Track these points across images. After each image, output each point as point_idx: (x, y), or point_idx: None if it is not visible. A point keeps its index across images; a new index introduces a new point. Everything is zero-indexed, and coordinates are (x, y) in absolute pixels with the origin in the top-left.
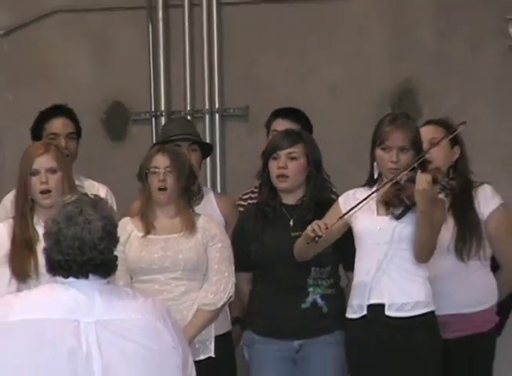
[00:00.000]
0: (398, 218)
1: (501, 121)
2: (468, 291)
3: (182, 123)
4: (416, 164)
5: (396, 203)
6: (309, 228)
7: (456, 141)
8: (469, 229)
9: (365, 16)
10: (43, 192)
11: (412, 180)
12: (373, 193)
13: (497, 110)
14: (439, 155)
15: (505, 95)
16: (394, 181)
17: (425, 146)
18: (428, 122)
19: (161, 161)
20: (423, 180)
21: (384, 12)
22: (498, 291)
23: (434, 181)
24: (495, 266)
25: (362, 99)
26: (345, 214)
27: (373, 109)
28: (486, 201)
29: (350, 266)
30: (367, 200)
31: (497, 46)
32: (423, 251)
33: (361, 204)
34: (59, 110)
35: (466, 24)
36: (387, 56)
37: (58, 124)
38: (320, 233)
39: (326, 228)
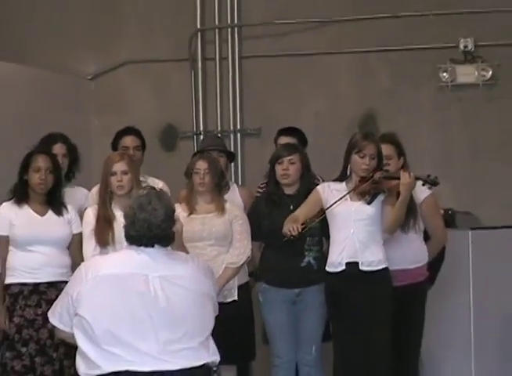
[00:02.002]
0: (369, 203)
1: (435, 139)
2: (408, 253)
3: (213, 138)
4: (385, 170)
5: (372, 192)
6: (285, 228)
7: (401, 153)
8: (408, 210)
9: (339, 67)
10: (118, 187)
11: (387, 178)
12: (352, 189)
13: (432, 131)
14: (393, 164)
15: (437, 120)
16: (373, 180)
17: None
18: (381, 138)
19: (202, 165)
20: (406, 176)
21: (353, 64)
22: (428, 254)
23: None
24: (426, 237)
25: (337, 122)
26: (328, 207)
27: (345, 129)
28: (420, 192)
29: (327, 236)
30: (346, 195)
31: (432, 86)
32: (396, 226)
33: (342, 199)
34: (129, 130)
35: (410, 71)
36: (355, 93)
37: (128, 140)
38: (294, 234)
39: (299, 231)
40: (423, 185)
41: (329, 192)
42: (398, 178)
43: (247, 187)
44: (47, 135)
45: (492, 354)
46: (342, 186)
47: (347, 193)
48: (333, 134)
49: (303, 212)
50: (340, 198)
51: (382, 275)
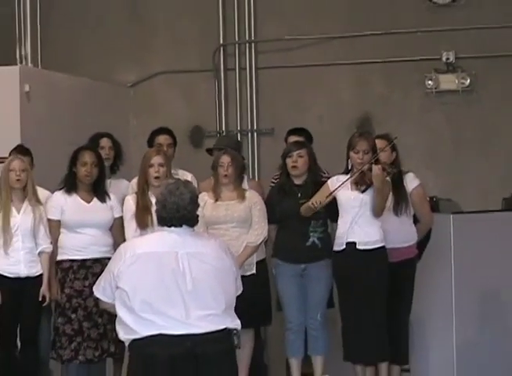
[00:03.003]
0: (362, 192)
1: (421, 137)
2: (401, 234)
3: (222, 138)
4: (373, 161)
5: (361, 183)
6: (310, 203)
7: (393, 149)
8: (400, 198)
9: (340, 76)
10: (155, 177)
11: (370, 170)
12: (347, 179)
13: (419, 130)
14: (385, 157)
15: (424, 121)
16: (360, 171)
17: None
18: (377, 137)
19: (225, 159)
20: (376, 169)
21: (351, 74)
22: (417, 234)
23: (384, 170)
24: (415, 220)
25: (338, 123)
26: (332, 192)
27: (345, 129)
28: (410, 182)
29: (334, 219)
30: (344, 183)
31: (419, 92)
32: (379, 210)
33: (341, 186)
34: (163, 130)
35: (400, 79)
36: (354, 99)
37: (162, 139)
38: (316, 207)
39: (319, 203)
40: (386, 176)
41: (337, 184)
42: (384, 169)
43: (254, 179)
44: (95, 133)
45: (470, 319)
46: (346, 178)
47: (344, 182)
48: (334, 133)
49: (314, 201)
50: (340, 185)
51: (378, 253)
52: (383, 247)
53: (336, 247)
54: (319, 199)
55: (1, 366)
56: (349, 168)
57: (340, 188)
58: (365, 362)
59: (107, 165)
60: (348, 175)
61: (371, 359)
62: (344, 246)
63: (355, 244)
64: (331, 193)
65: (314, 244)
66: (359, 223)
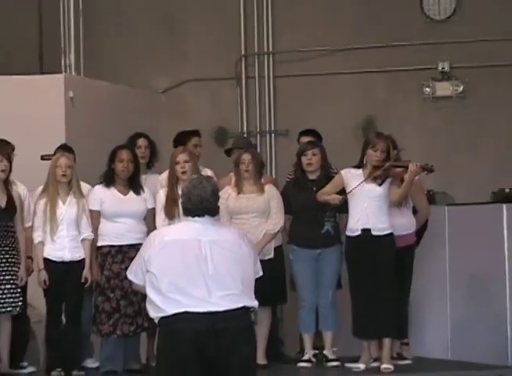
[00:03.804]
0: (380, 185)
1: (420, 138)
2: (402, 223)
3: (239, 138)
4: (392, 160)
5: (383, 177)
6: (331, 199)
7: (394, 147)
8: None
9: (347, 83)
10: (182, 172)
11: (394, 166)
12: (368, 176)
13: (417, 131)
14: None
15: (422, 124)
16: (384, 168)
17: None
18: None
19: (246, 156)
20: (413, 165)
21: (357, 81)
22: (416, 223)
23: (422, 167)
24: (414, 211)
25: (345, 125)
26: (355, 187)
27: (351, 130)
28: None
29: (341, 210)
30: (364, 180)
31: (417, 98)
32: (401, 200)
33: (363, 182)
34: (190, 132)
35: (401, 86)
36: (359, 103)
37: (195, 140)
38: (338, 203)
39: (342, 199)
40: (423, 171)
41: (350, 176)
42: (403, 167)
43: (270, 175)
44: (134, 133)
45: (463, 299)
46: (359, 172)
47: (365, 180)
48: (342, 134)
49: (329, 189)
50: (361, 182)
51: (388, 238)
52: (391, 233)
53: (350, 233)
54: (337, 195)
55: (48, 340)
56: (363, 162)
57: (361, 184)
58: (371, 337)
59: (143, 162)
60: (361, 170)
61: (377, 335)
62: (359, 232)
63: (369, 230)
64: (354, 188)
65: (328, 231)
66: (374, 212)
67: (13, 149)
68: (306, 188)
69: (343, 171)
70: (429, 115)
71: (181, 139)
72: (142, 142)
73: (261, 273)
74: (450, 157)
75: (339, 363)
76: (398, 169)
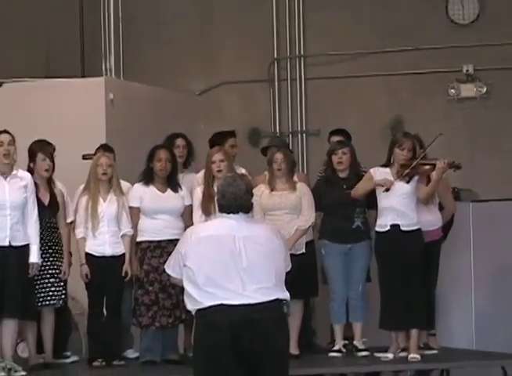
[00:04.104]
0: (407, 182)
1: (445, 137)
2: (429, 219)
3: (274, 139)
4: (420, 158)
5: (411, 175)
6: (386, 183)
7: (421, 146)
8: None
9: (375, 85)
10: (218, 171)
11: (422, 164)
12: (398, 175)
13: (443, 131)
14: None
15: (447, 123)
16: (412, 166)
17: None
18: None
19: (279, 156)
20: (441, 163)
21: (385, 83)
22: (442, 219)
23: (449, 164)
24: (440, 207)
25: (373, 125)
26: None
27: (379, 130)
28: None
29: (371, 207)
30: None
31: (443, 99)
32: (430, 197)
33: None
34: (227, 133)
35: (427, 88)
36: (387, 104)
37: (231, 140)
38: (390, 186)
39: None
40: (450, 168)
41: (378, 174)
42: (430, 165)
43: (303, 173)
44: (171, 133)
45: (487, 291)
46: (387, 170)
47: (396, 179)
48: (370, 134)
49: (360, 185)
50: (394, 181)
51: (416, 233)
52: (419, 229)
53: (379, 229)
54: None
55: (90, 332)
56: (391, 161)
57: (400, 179)
58: (399, 328)
59: (181, 161)
60: (389, 168)
61: (405, 326)
62: (389, 227)
63: (398, 226)
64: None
65: (358, 227)
66: (402, 209)
67: (54, 149)
68: (337, 186)
69: (372, 170)
70: (454, 115)
71: (217, 140)
72: (180, 142)
73: (290, 267)
74: (474, 155)
75: (368, 352)
76: (426, 167)
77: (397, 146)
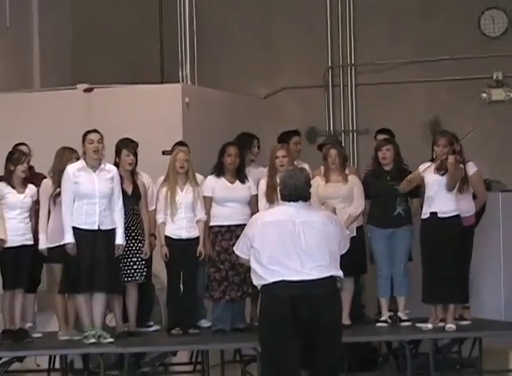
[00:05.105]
0: (442, 175)
1: (478, 135)
2: (465, 206)
3: (329, 137)
4: (449, 153)
5: (441, 168)
6: (408, 178)
7: (457, 142)
8: (463, 180)
9: (416, 91)
10: (280, 166)
11: (447, 159)
12: (429, 165)
13: (476, 130)
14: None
15: (480, 123)
16: (440, 160)
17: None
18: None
19: (333, 152)
20: (451, 158)
21: (425, 89)
22: (475, 207)
23: (456, 159)
24: (474, 197)
25: (414, 125)
26: (422, 172)
27: (419, 129)
28: (470, 168)
29: (413, 196)
30: (429, 167)
31: (476, 102)
32: (450, 187)
33: (426, 169)
34: (292, 132)
35: (462, 92)
36: (426, 107)
37: (296, 138)
38: (412, 180)
39: (413, 178)
40: (459, 163)
41: (421, 167)
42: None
43: (353, 166)
44: (242, 133)
45: None
46: (428, 164)
47: (428, 167)
48: (412, 133)
49: (410, 177)
50: (425, 169)
51: (454, 219)
52: (457, 215)
53: (423, 216)
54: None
55: (169, 304)
56: (433, 157)
57: (426, 170)
58: (439, 302)
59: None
60: (431, 163)
61: (444, 300)
62: (428, 215)
63: (436, 213)
64: (418, 174)
65: (399, 214)
66: (439, 198)
67: (137, 146)
68: (381, 177)
69: (421, 166)
70: (485, 116)
71: (284, 138)
72: (256, 143)
73: (346, 249)
74: (502, 151)
75: (410, 323)
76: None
77: (435, 143)
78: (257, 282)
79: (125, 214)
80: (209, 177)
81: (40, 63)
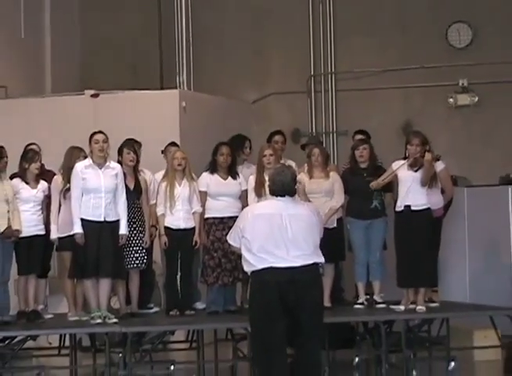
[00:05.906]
0: (415, 171)
1: (445, 136)
2: (434, 199)
3: (311, 137)
4: (423, 151)
5: (414, 165)
6: (379, 180)
7: (426, 142)
8: (432, 177)
9: (390, 96)
10: (268, 163)
11: (422, 157)
12: (402, 164)
13: (444, 132)
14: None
15: (447, 125)
16: (414, 158)
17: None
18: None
19: (316, 151)
20: (428, 155)
21: (399, 95)
22: (443, 201)
23: (432, 157)
24: (442, 191)
25: (388, 126)
26: (392, 172)
27: (394, 131)
28: (438, 165)
29: (386, 191)
30: (400, 166)
31: (443, 106)
32: (425, 182)
33: (398, 169)
34: (274, 132)
35: (431, 98)
36: (400, 110)
37: (277, 137)
38: (382, 183)
39: (384, 179)
40: (434, 160)
41: (394, 165)
42: (422, 157)
43: (334, 164)
44: (235, 135)
45: (478, 258)
46: (402, 162)
47: (402, 165)
48: (387, 134)
49: (381, 179)
50: (397, 168)
51: (425, 212)
52: (428, 208)
53: (397, 209)
54: (384, 177)
55: (168, 288)
56: (406, 155)
57: (398, 169)
58: (411, 286)
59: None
60: (405, 161)
61: (415, 285)
62: (402, 208)
63: (409, 206)
64: (392, 172)
65: (375, 206)
66: (412, 192)
67: (140, 145)
68: (358, 174)
69: (394, 163)
70: (452, 119)
71: (268, 137)
72: (248, 144)
73: (321, 236)
74: (469, 149)
75: (385, 305)
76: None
77: (408, 142)
78: (247, 268)
79: (128, 207)
80: (204, 174)
81: (51, 71)
